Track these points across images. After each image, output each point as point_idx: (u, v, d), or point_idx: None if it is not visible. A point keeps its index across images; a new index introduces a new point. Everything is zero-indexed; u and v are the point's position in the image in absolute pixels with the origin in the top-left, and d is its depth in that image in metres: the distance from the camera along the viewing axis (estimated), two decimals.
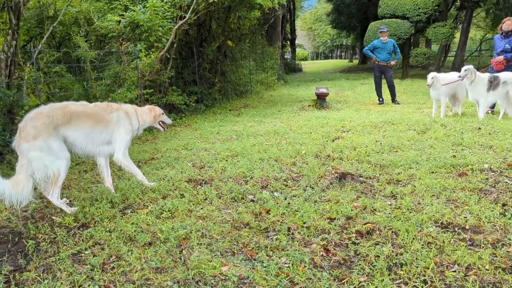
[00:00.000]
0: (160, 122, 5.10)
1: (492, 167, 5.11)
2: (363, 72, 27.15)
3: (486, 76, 8.33)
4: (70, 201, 4.44)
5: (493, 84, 8.23)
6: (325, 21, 52.99)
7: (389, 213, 3.80)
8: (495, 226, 3.54)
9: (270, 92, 15.59)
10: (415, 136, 6.85)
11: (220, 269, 2.91)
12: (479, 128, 7.27)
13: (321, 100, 11.00)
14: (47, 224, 3.89)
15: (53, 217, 4.04)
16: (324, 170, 5.19)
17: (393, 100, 12.03)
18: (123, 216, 3.94)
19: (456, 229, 3.50)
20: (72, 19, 10.13)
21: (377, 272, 2.84)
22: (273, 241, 3.31)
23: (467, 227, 3.53)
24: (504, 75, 8.26)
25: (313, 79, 21.67)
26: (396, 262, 2.97)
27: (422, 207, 3.92)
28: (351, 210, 3.85)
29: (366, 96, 14.04)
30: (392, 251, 3.10)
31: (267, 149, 6.29)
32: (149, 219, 3.81)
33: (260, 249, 3.20)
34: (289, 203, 4.05)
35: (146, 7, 9.78)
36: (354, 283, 2.73)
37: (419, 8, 19.32)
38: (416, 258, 3.00)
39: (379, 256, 3.05)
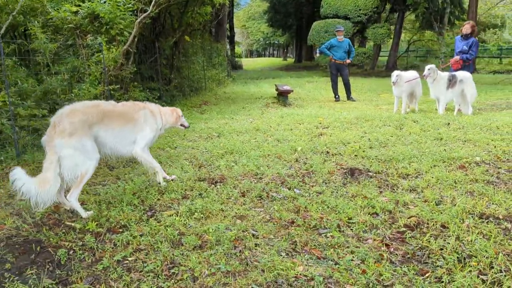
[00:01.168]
0: (181, 124, 4.92)
1: (483, 160, 5.36)
2: (302, 70, 27.66)
3: (446, 74, 8.79)
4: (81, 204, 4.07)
5: (451, 82, 8.69)
6: (258, 19, 53.43)
7: (423, 206, 3.85)
8: None
9: (223, 89, 15.41)
10: (395, 132, 7.04)
11: (297, 269, 2.79)
12: (448, 124, 7.62)
13: (283, 97, 11.05)
14: (65, 230, 3.53)
15: (68, 223, 3.68)
16: (330, 166, 5.18)
17: (349, 97, 12.36)
18: (149, 219, 3.67)
19: (491, 219, 3.61)
20: (28, 9, 9.34)
21: (452, 265, 2.86)
22: (329, 239, 3.24)
23: (500, 217, 3.65)
24: (460, 74, 8.76)
25: (258, 77, 21.73)
26: (463, 254, 3.00)
27: (449, 200, 4.01)
28: (388, 205, 3.86)
29: (317, 93, 14.31)
30: (459, 245, 3.13)
31: (259, 146, 6.18)
32: (183, 221, 3.59)
33: (321, 247, 3.11)
34: (324, 200, 3.98)
35: None
36: (437, 277, 2.73)
37: (359, 9, 20.04)
38: (478, 249, 3.05)
39: (442, 249, 3.08)
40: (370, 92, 14.43)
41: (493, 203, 3.95)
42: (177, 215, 3.71)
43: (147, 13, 9.68)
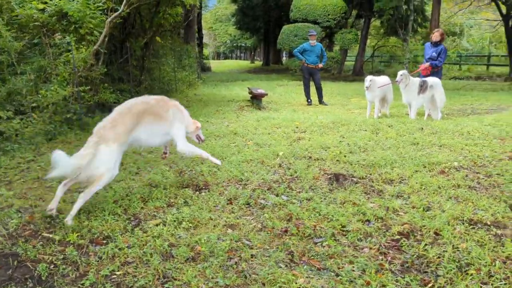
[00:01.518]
0: (197, 135, 4.80)
1: (461, 165, 5.41)
2: (271, 73, 27.65)
3: (417, 80, 8.91)
4: (56, 215, 3.82)
5: (422, 87, 8.82)
6: (226, 22, 53.23)
7: (413, 212, 3.82)
8: (511, 220, 3.72)
9: (193, 91, 15.15)
10: (372, 136, 7.05)
11: (299, 282, 2.67)
12: (422, 129, 7.69)
13: (257, 100, 10.95)
14: (43, 242, 3.29)
15: (45, 234, 3.45)
16: (314, 171, 5.10)
17: (320, 101, 12.39)
18: (134, 229, 3.47)
19: (480, 225, 3.61)
20: None
21: (452, 274, 2.82)
22: (325, 248, 3.15)
23: (488, 222, 3.65)
24: (430, 80, 8.90)
25: (227, 79, 21.56)
26: (462, 262, 2.97)
27: (436, 206, 4.00)
28: (379, 211, 3.80)
29: (289, 96, 14.28)
30: (454, 252, 3.10)
31: (240, 151, 6.04)
32: (171, 231, 3.41)
33: (319, 257, 3.01)
34: (314, 208, 3.89)
35: None
36: (440, 287, 2.67)
37: (328, 14, 20.23)
38: (475, 257, 3.03)
39: (439, 258, 3.03)
40: (340, 96, 14.52)
41: (479, 209, 3.95)
42: (164, 225, 3.53)
43: (118, 12, 9.40)
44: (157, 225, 3.54)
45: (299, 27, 20.12)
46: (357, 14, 26.17)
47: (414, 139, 6.80)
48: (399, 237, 3.37)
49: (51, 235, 3.41)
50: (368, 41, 29.44)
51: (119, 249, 3.13)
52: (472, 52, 31.52)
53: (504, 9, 22.01)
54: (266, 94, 11.12)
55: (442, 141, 6.63)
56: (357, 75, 24.46)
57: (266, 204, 4.02)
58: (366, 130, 7.59)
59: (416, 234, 3.42)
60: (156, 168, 5.29)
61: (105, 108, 9.58)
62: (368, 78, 9.29)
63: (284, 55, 45.31)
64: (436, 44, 9.58)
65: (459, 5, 29.47)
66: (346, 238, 3.33)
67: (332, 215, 3.71)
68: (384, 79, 9.62)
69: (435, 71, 9.68)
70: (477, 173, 5.08)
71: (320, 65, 12.35)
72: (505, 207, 3.96)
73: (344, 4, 21.04)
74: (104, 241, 3.30)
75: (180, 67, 16.00)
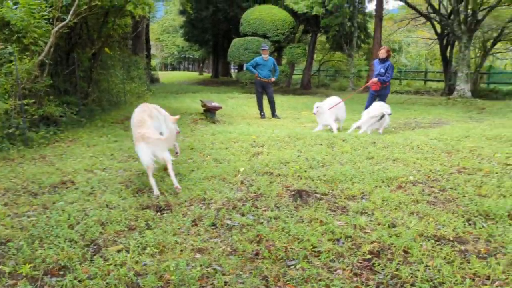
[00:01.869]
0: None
1: (417, 179, 5.47)
2: (220, 85, 27.51)
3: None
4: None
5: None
6: (173, 33, 52.59)
7: (379, 230, 3.79)
8: (471, 235, 3.77)
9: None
10: (328, 151, 7.05)
11: None
12: (374, 143, 7.79)
13: (211, 113, 10.77)
14: None
15: None
16: (277, 188, 5.00)
17: (273, 114, 12.39)
18: (94, 257, 3.21)
19: (444, 241, 3.63)
20: None
21: None
22: (299, 271, 3.03)
23: (451, 238, 3.68)
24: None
25: (177, 91, 21.20)
26: (435, 282, 2.94)
27: (400, 222, 4.00)
28: (347, 230, 3.74)
29: (241, 109, 14.21)
30: (424, 271, 3.07)
31: (199, 167, 5.85)
32: (136, 258, 3.18)
33: (295, 281, 2.89)
34: (283, 228, 3.76)
35: (19, 4, 8.41)
36: None
37: (277, 29, 20.43)
38: (446, 275, 3.01)
39: (412, 277, 2.99)
40: (291, 110, 14.61)
41: (440, 225, 3.98)
42: (127, 251, 3.29)
43: (65, 22, 8.99)
44: (119, 251, 3.30)
45: (249, 40, 20.21)
46: (304, 30, 26.68)
47: (369, 153, 6.85)
48: (370, 256, 3.33)
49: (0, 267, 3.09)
50: (315, 55, 30.02)
51: (79, 281, 2.88)
52: (410, 68, 32.95)
53: (439, 28, 23.16)
54: (221, 107, 10.97)
55: (395, 155, 6.71)
56: (305, 88, 24.85)
57: (233, 225, 3.86)
58: (321, 144, 7.58)
59: (386, 253, 3.38)
60: (111, 187, 4.99)
61: (50, 122, 9.08)
62: (316, 105, 9.42)
63: (232, 67, 45.36)
64: (383, 61, 9.89)
65: (398, 24, 30.70)
66: (319, 259, 3.24)
67: (302, 235, 3.62)
68: (333, 100, 9.77)
69: (383, 86, 9.94)
70: (431, 187, 5.16)
71: (273, 79, 12.42)
72: (464, 222, 4.02)
73: (292, 19, 21.38)
74: (61, 272, 3.03)
75: (129, 79, 15.54)
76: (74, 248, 3.36)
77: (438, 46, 25.91)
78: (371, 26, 27.62)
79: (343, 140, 7.96)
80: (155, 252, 3.30)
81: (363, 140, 7.99)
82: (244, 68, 29.41)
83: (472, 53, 20.21)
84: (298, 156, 6.66)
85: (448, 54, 23.02)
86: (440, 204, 4.54)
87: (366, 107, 10.02)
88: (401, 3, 26.00)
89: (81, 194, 4.71)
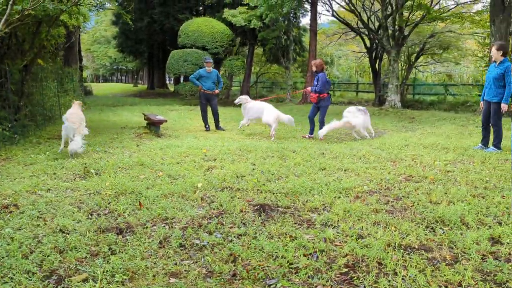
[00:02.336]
0: None
1: (371, 189, 5.56)
2: (157, 97, 26.95)
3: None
4: None
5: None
6: (105, 44, 50.96)
7: (349, 242, 3.79)
8: (434, 242, 3.84)
9: None
10: (281, 163, 7.04)
11: None
12: (323, 153, 7.90)
13: (156, 127, 10.46)
14: None
15: None
16: (239, 203, 4.88)
17: (217, 126, 12.28)
18: None
19: (410, 250, 3.67)
20: None
21: None
22: None
23: (416, 246, 3.74)
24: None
25: (113, 104, 20.49)
26: None
27: (366, 233, 4.02)
28: (318, 243, 3.69)
29: (184, 122, 13.97)
30: (401, 281, 3.08)
31: (154, 184, 5.60)
32: (104, 287, 2.93)
33: None
34: (255, 245, 3.65)
35: None
36: None
37: (216, 41, 20.41)
38: (422, 285, 3.04)
39: None
40: (234, 122, 14.53)
41: (403, 233, 4.03)
42: (94, 280, 3.03)
43: None
44: (84, 281, 3.03)
45: (188, 52, 20.04)
46: (242, 42, 26.89)
47: (320, 164, 6.91)
48: (346, 269, 3.30)
49: None
50: (252, 68, 30.32)
51: None
52: (342, 80, 34.23)
53: (368, 42, 24.28)
54: (166, 121, 10.69)
55: (345, 165, 6.84)
56: None
57: (203, 245, 3.69)
58: (273, 157, 7.57)
59: (361, 265, 3.37)
60: (61, 210, 4.63)
61: None
62: (237, 98, 11.67)
63: (168, 79, 44.72)
64: (316, 73, 10.62)
65: (329, 38, 31.77)
66: (298, 276, 3.16)
67: (276, 252, 3.53)
68: (260, 104, 11.26)
69: (321, 97, 10.26)
70: (386, 196, 5.29)
71: (217, 91, 12.37)
72: (424, 229, 4.11)
73: (230, 32, 21.49)
74: None
75: (63, 92, 14.80)
76: (33, 280, 3.04)
77: (367, 59, 27.18)
78: (305, 39, 28.37)
79: (294, 152, 8.01)
80: (125, 279, 3.06)
81: (312, 151, 8.08)
82: (181, 80, 29.07)
83: (398, 66, 21.39)
84: (253, 169, 6.60)
85: (377, 67, 24.14)
86: (398, 213, 4.63)
87: (309, 117, 10.78)
88: (332, 18, 27.00)
89: (28, 219, 4.32)
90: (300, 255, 3.50)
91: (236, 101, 11.87)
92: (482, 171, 6.43)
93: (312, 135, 10.65)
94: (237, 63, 21.34)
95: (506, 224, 4.21)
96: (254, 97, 28.75)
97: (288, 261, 3.38)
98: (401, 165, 6.86)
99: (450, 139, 9.52)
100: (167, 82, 43.22)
